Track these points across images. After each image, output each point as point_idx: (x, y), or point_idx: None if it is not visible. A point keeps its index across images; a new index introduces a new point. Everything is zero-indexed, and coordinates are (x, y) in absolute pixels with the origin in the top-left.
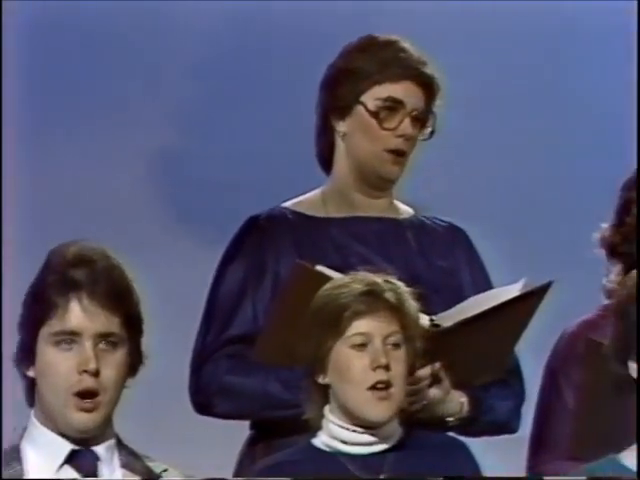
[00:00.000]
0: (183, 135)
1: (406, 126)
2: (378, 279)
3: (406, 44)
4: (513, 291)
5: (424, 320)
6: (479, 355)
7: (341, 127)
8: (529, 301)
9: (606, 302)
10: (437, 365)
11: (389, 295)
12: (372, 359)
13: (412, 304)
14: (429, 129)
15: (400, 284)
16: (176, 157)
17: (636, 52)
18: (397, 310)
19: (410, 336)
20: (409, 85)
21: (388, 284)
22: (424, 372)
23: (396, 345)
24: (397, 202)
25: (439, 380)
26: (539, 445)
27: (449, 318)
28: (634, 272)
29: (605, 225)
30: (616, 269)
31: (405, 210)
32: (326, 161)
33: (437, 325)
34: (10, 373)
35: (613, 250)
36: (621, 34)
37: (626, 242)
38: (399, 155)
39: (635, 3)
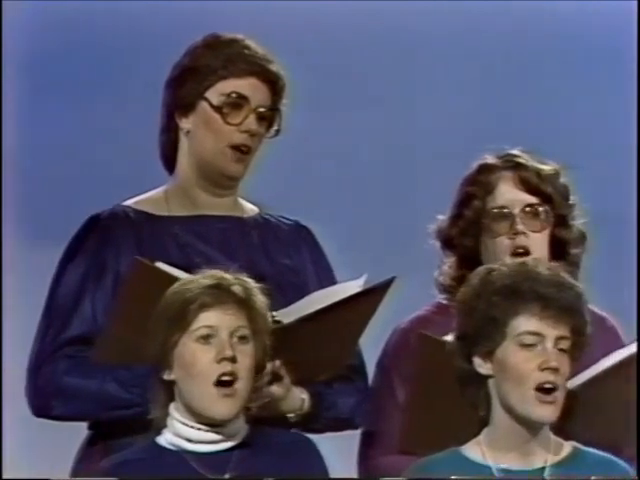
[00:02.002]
0: (21, 131)
1: (251, 122)
2: (227, 275)
3: (251, 42)
4: (355, 287)
5: None
6: (321, 351)
7: (185, 124)
8: (371, 297)
9: (440, 297)
10: (277, 362)
11: (237, 289)
12: (217, 352)
13: (261, 299)
14: (275, 127)
15: (249, 280)
16: (14, 153)
17: (636, 52)
18: (245, 304)
19: (258, 331)
20: (254, 81)
21: (237, 279)
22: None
23: (243, 339)
24: (242, 201)
25: (279, 377)
26: (370, 440)
27: (290, 314)
28: (480, 269)
29: (442, 217)
30: (450, 261)
31: (250, 209)
32: (169, 160)
33: (278, 322)
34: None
35: (449, 242)
36: (621, 34)
37: (462, 235)
38: (243, 152)
39: (635, 3)
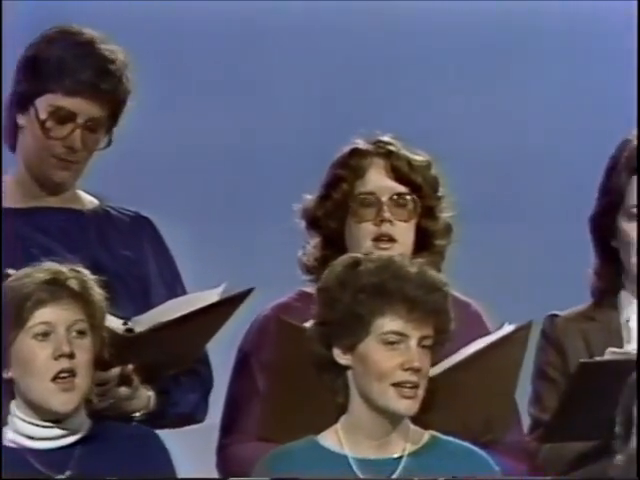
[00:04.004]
0: None
1: (76, 138)
2: (63, 268)
3: (100, 46)
4: (213, 296)
5: (118, 324)
6: (172, 354)
7: (19, 119)
8: (228, 306)
9: (304, 278)
10: (129, 367)
11: (73, 283)
12: (55, 348)
13: (97, 292)
14: (106, 139)
15: (86, 272)
16: None
17: (636, 52)
18: (81, 297)
19: (96, 324)
20: (83, 101)
21: (73, 272)
22: (113, 373)
23: (81, 333)
24: (81, 193)
25: (129, 381)
26: (229, 426)
27: (144, 322)
28: (345, 258)
29: (309, 196)
30: (314, 242)
31: (90, 200)
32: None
33: (131, 330)
34: None
35: (314, 222)
36: (621, 34)
37: (328, 217)
38: (69, 161)
39: (635, 3)
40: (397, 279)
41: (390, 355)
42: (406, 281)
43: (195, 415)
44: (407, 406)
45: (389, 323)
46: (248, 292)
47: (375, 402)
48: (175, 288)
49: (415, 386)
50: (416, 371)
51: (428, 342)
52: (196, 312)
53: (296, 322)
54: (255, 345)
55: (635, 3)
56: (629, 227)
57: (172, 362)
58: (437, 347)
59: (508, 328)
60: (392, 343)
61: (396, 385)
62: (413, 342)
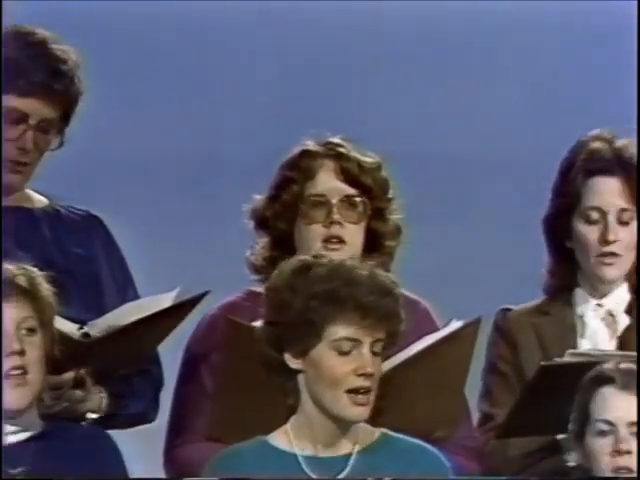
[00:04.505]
0: None
1: (28, 139)
2: (10, 266)
3: (55, 46)
4: (167, 300)
5: (73, 329)
6: (126, 357)
7: None
8: (182, 310)
9: (252, 277)
10: (83, 371)
11: (21, 280)
12: (5, 346)
13: (46, 288)
14: (58, 140)
15: (34, 269)
16: None
17: (636, 52)
18: (30, 295)
19: (46, 321)
20: (36, 101)
21: (20, 270)
22: (68, 377)
23: (31, 330)
24: (31, 192)
25: (83, 383)
26: (177, 427)
27: (99, 327)
28: (295, 261)
29: (258, 197)
30: (263, 242)
31: (39, 199)
32: None
33: (87, 334)
34: None
35: (263, 223)
36: (621, 34)
37: (277, 218)
38: (20, 164)
39: (635, 3)
40: (349, 285)
41: (343, 361)
42: (358, 287)
43: (147, 415)
44: (360, 413)
45: (341, 330)
46: (202, 296)
47: (328, 409)
48: (126, 287)
49: (368, 391)
50: (369, 376)
51: (380, 346)
52: (151, 316)
53: (245, 322)
54: (203, 344)
55: (635, 3)
56: (585, 229)
57: (125, 364)
58: (388, 349)
59: (456, 324)
60: (345, 349)
61: (349, 392)
62: (366, 347)
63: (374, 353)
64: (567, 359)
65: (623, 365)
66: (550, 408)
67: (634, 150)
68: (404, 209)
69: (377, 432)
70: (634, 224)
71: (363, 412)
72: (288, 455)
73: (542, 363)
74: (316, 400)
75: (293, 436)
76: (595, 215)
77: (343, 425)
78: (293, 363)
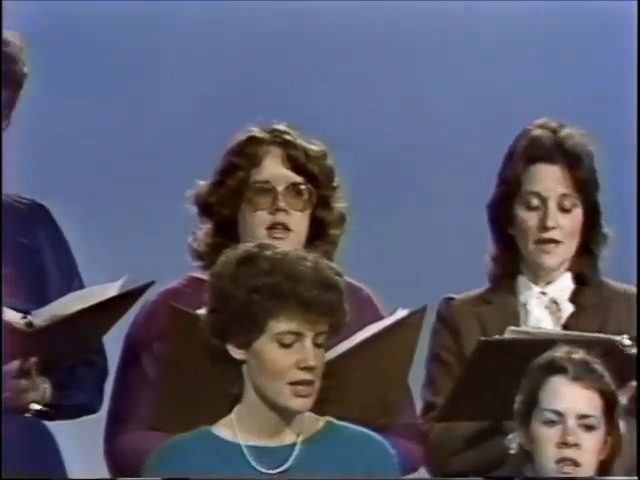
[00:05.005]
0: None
1: None
2: None
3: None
4: (112, 290)
5: (17, 318)
6: (70, 347)
7: None
8: (127, 300)
9: (194, 264)
10: (31, 361)
11: None
12: None
13: None
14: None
15: None
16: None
17: (636, 52)
18: None
19: None
20: None
21: None
22: (12, 367)
23: None
24: None
25: (28, 373)
26: (118, 416)
27: (43, 316)
28: (239, 252)
29: (202, 182)
30: (206, 228)
31: None
32: None
33: (31, 324)
34: None
35: (206, 209)
36: (621, 34)
37: (221, 204)
38: None
39: (635, 3)
40: (291, 279)
41: (285, 354)
42: (301, 281)
43: (91, 406)
44: (302, 404)
45: (284, 324)
46: (147, 286)
47: (270, 399)
48: (71, 276)
49: (310, 383)
50: (311, 369)
51: (322, 339)
52: (95, 306)
53: (187, 309)
54: (144, 332)
55: (635, 3)
56: (525, 215)
57: (70, 354)
58: (331, 339)
59: (401, 313)
60: (287, 342)
61: (292, 384)
62: (308, 340)
63: (317, 345)
64: (507, 336)
65: (575, 355)
66: (491, 389)
67: (579, 140)
68: (348, 197)
69: (322, 421)
70: (577, 211)
71: (306, 403)
72: (232, 445)
73: (481, 338)
74: (259, 391)
75: (237, 426)
76: (535, 201)
77: (286, 415)
78: (236, 353)
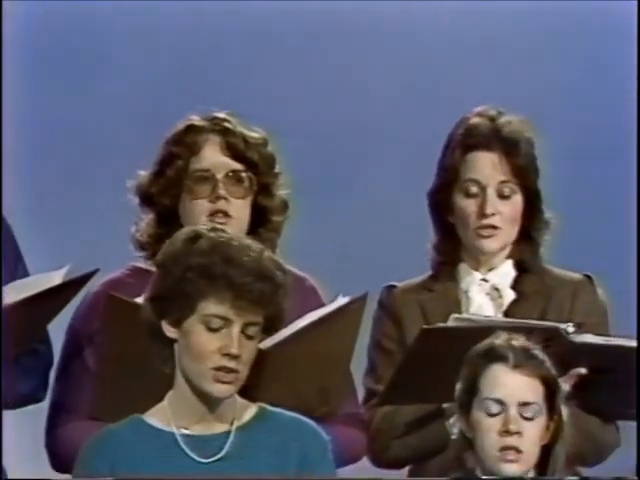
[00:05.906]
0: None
1: None
2: None
3: None
4: (57, 278)
5: None
6: (15, 336)
7: None
8: (72, 288)
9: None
10: None
11: None
12: None
13: None
14: None
15: None
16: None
17: (636, 52)
18: None
19: None
20: None
21: None
22: None
23: None
24: None
25: None
26: (59, 406)
27: None
28: (186, 231)
29: (143, 173)
30: (148, 218)
31: None
32: None
33: None
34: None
35: (148, 199)
36: (621, 34)
37: (162, 194)
38: None
39: (635, 3)
40: (226, 263)
41: (210, 337)
42: (236, 267)
43: (36, 395)
44: (222, 390)
45: (213, 307)
46: (92, 274)
47: (192, 381)
48: (16, 264)
49: (233, 371)
50: (234, 357)
51: (254, 329)
52: (40, 294)
53: (127, 298)
54: (85, 322)
55: (635, 3)
56: (464, 202)
57: (14, 343)
58: (270, 331)
59: (342, 300)
60: (214, 326)
61: (214, 369)
62: (236, 328)
63: (247, 336)
64: (450, 324)
65: (516, 342)
66: (433, 374)
67: (517, 127)
68: (290, 184)
69: (254, 407)
70: (516, 198)
71: (227, 390)
72: (166, 434)
73: (424, 326)
74: (184, 373)
75: (170, 413)
76: (474, 188)
77: (211, 401)
78: (169, 331)
